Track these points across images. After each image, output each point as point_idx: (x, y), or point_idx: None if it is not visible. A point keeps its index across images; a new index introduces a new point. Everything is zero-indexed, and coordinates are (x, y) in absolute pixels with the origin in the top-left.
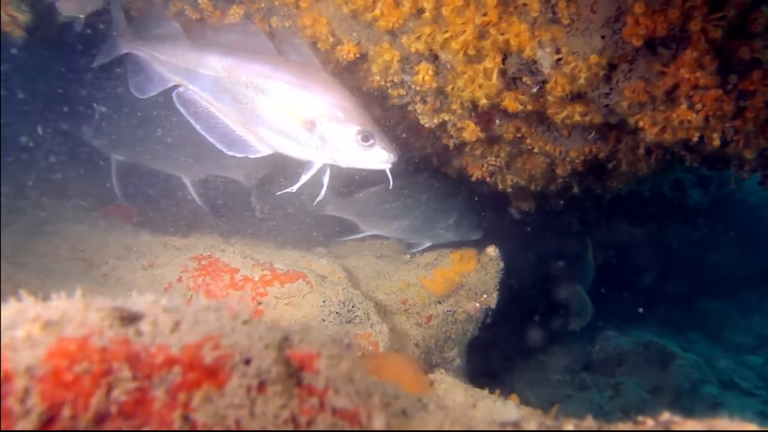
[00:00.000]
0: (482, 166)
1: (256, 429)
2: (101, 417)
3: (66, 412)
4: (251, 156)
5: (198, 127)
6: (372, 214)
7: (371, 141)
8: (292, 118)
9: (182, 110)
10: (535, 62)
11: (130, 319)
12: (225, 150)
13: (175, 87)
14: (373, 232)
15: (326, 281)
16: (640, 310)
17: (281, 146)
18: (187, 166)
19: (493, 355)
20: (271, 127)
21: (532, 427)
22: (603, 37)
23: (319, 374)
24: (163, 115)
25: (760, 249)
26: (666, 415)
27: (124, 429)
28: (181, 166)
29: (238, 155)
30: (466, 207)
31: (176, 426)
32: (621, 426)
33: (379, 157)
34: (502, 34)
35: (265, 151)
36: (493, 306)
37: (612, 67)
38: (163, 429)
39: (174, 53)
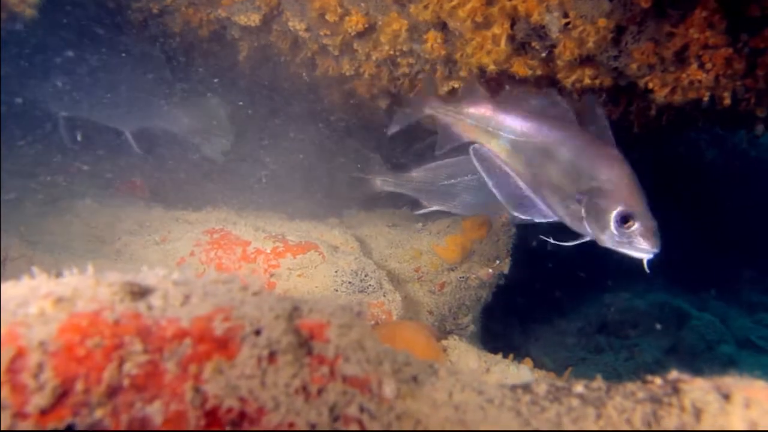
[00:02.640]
0: None
1: (268, 399)
2: (114, 390)
3: (79, 385)
4: (535, 219)
5: (489, 183)
6: (432, 190)
7: (630, 223)
8: (568, 187)
9: (477, 165)
10: (543, 27)
11: (140, 293)
12: (510, 209)
13: (471, 142)
14: (434, 208)
15: (338, 251)
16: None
17: (557, 212)
18: (126, 118)
19: (508, 320)
20: (551, 192)
21: (543, 389)
22: (611, 0)
23: (329, 343)
24: (102, 70)
25: None
26: (674, 374)
27: (137, 401)
28: (120, 118)
29: (522, 216)
30: None
31: (188, 397)
32: (630, 386)
33: (637, 244)
34: (509, 0)
35: (547, 218)
36: (505, 271)
37: (620, 29)
38: (175, 400)
39: (477, 116)
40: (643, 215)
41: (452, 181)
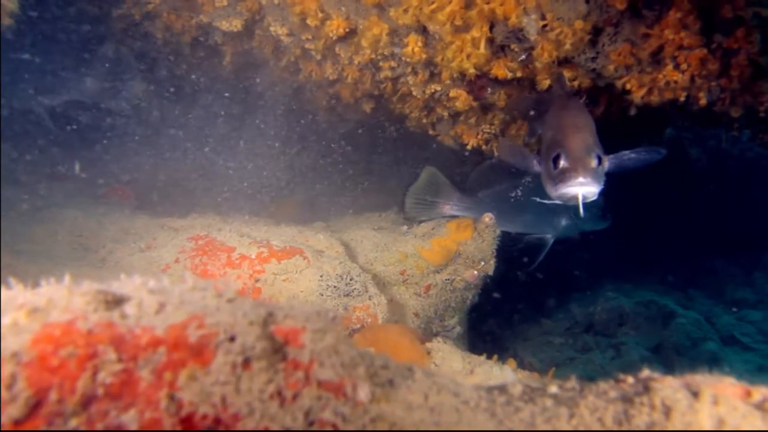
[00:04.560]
0: (477, 134)
1: (243, 404)
2: (88, 399)
3: (53, 396)
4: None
5: None
6: (498, 211)
7: (559, 162)
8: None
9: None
10: (521, 29)
11: (115, 302)
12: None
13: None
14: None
15: (323, 256)
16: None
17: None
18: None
19: (496, 321)
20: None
21: (518, 390)
22: (587, 2)
23: (303, 348)
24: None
25: (759, 204)
26: (646, 372)
27: (112, 410)
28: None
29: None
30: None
31: (163, 405)
32: (602, 385)
33: (565, 179)
34: (488, 3)
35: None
36: (490, 273)
37: (597, 31)
38: (149, 408)
39: None
40: (574, 151)
41: (519, 200)
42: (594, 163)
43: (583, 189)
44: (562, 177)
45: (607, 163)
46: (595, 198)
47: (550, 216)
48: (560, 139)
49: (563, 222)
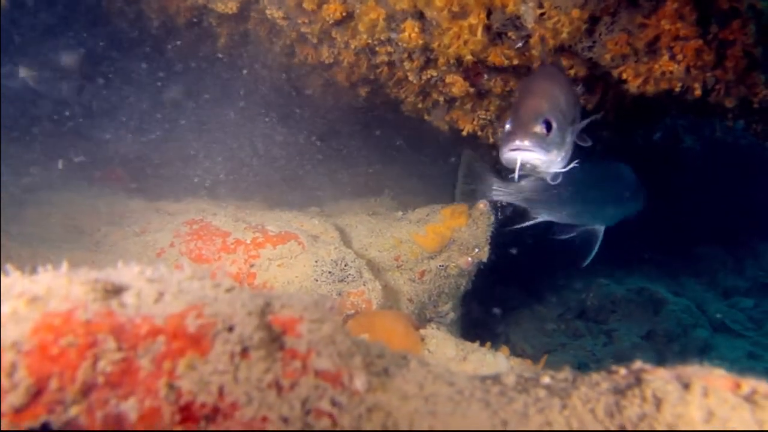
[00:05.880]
0: (473, 120)
1: (241, 393)
2: (88, 388)
3: (53, 384)
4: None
5: None
6: (542, 200)
7: (506, 126)
8: None
9: None
10: (518, 17)
11: (114, 291)
12: None
13: None
14: (543, 219)
15: (318, 241)
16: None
17: None
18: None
19: (488, 307)
20: None
21: (511, 380)
22: None
23: (301, 338)
24: None
25: (752, 192)
26: (638, 364)
27: (111, 398)
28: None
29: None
30: (630, 185)
31: (162, 393)
32: (595, 376)
33: (504, 142)
34: None
35: None
36: (484, 260)
37: (594, 20)
38: (149, 397)
39: None
40: (519, 116)
41: (561, 189)
42: (539, 128)
43: (523, 154)
44: (505, 140)
45: (556, 132)
46: (562, 170)
47: (597, 205)
48: (515, 105)
49: (609, 211)
